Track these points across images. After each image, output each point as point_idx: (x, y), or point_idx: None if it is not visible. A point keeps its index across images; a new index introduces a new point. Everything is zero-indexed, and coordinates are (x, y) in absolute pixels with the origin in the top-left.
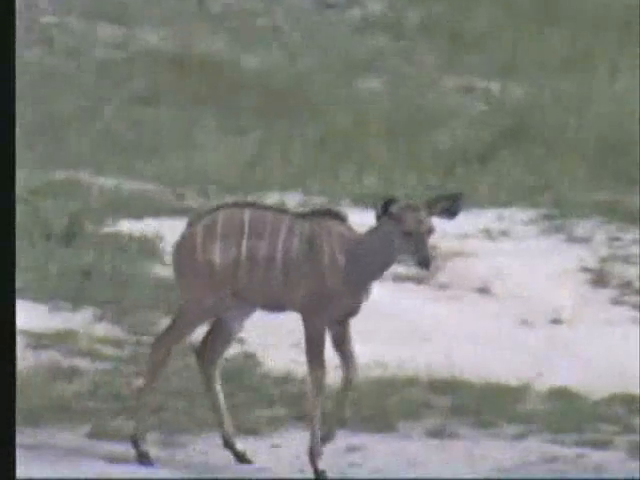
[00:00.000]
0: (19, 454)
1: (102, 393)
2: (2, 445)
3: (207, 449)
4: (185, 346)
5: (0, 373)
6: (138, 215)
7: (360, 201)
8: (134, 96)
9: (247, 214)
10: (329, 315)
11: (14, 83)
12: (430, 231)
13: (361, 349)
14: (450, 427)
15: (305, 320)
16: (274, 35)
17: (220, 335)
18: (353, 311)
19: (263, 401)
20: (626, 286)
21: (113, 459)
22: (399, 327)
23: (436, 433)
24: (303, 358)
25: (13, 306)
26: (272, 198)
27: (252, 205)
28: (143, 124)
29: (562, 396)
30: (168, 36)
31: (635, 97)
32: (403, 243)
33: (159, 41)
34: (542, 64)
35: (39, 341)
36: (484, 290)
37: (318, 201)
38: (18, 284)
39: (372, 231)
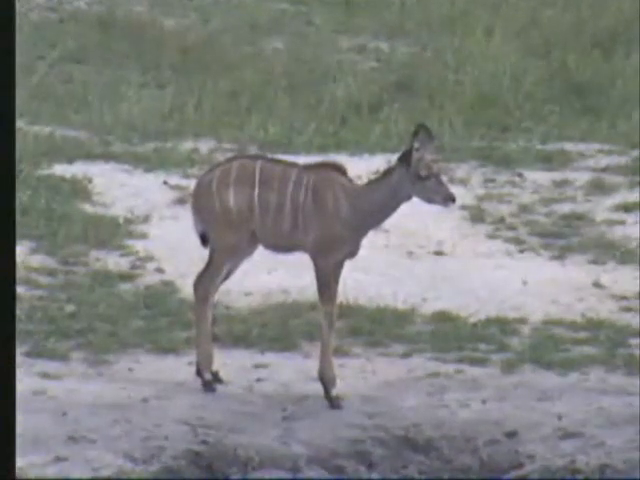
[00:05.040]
0: None
1: (38, 317)
2: (2, 444)
3: (131, 366)
4: (110, 275)
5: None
6: (69, 159)
7: (266, 147)
8: (65, 54)
9: (259, 165)
10: (335, 257)
11: (14, 82)
12: (440, 170)
13: (267, 278)
14: (345, 346)
15: (314, 260)
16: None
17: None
18: (352, 253)
19: (180, 324)
20: (500, 222)
21: (47, 375)
22: (299, 258)
23: (334, 352)
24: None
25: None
26: (187, 145)
27: (264, 158)
28: (73, 79)
29: (444, 319)
30: (95, 0)
31: (506, 55)
32: (419, 188)
33: (87, 5)
34: (425, 26)
35: None
36: None
37: (228, 147)
38: None
39: (375, 182)
